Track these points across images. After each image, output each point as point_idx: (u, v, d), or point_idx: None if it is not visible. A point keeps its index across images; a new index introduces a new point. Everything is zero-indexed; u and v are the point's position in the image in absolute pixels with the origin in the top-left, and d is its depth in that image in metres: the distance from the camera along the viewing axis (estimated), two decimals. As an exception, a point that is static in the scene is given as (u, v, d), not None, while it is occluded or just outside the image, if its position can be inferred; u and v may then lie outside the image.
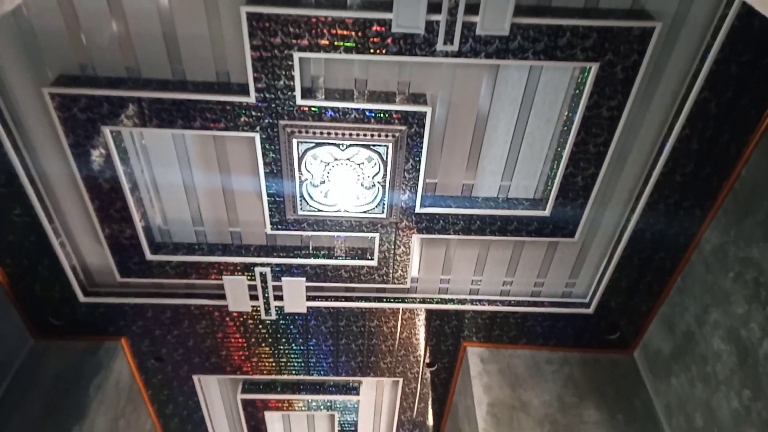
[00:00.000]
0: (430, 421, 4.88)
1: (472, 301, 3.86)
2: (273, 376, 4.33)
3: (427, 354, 4.21)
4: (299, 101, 2.79)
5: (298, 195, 3.21)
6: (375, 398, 4.70)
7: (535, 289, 3.85)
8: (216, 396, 4.56)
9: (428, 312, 3.91)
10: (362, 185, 3.24)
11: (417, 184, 3.15)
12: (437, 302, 3.85)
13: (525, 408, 3.74)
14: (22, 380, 3.66)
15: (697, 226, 3.30)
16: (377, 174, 3.18)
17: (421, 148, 2.99)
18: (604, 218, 3.41)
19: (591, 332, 3.99)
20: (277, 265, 3.56)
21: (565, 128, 2.98)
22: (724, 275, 3.12)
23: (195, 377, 4.26)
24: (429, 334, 4.05)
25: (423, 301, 3.85)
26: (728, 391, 3.04)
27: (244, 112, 2.82)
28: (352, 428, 4.94)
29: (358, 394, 4.51)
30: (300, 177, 3.14)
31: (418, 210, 3.26)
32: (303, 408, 4.59)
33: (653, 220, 3.31)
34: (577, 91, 2.84)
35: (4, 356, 3.63)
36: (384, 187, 3.20)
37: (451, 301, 3.86)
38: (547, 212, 3.27)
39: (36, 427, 3.43)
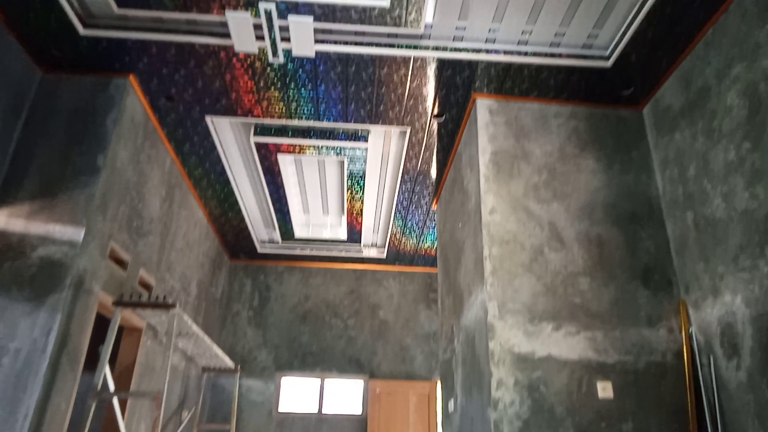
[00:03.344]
0: (434, 171, 5.16)
1: (487, 51, 3.72)
2: (284, 121, 4.43)
3: (436, 105, 4.23)
4: None
5: None
6: (382, 147, 4.88)
7: (554, 40, 3.67)
8: (230, 138, 4.73)
9: (440, 61, 3.80)
10: None
11: None
12: (451, 50, 3.71)
13: (526, 157, 3.90)
14: (39, 112, 3.77)
15: (747, -32, 2.98)
16: None
17: None
18: (646, -45, 3.05)
19: (605, 87, 3.94)
20: (282, 1, 3.33)
21: None
22: (761, 26, 2.92)
23: (207, 118, 4.37)
24: (439, 84, 4.00)
25: (436, 48, 3.71)
26: (728, 144, 3.11)
27: None
28: (360, 175, 5.26)
29: (366, 141, 4.67)
30: None
31: (438, -64, 2.90)
32: (314, 153, 4.81)
33: (700, -42, 2.97)
34: None
35: (15, 85, 3.66)
36: None
37: (466, 50, 3.71)
38: (583, -55, 2.91)
39: (63, 155, 3.65)
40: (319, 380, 6.94)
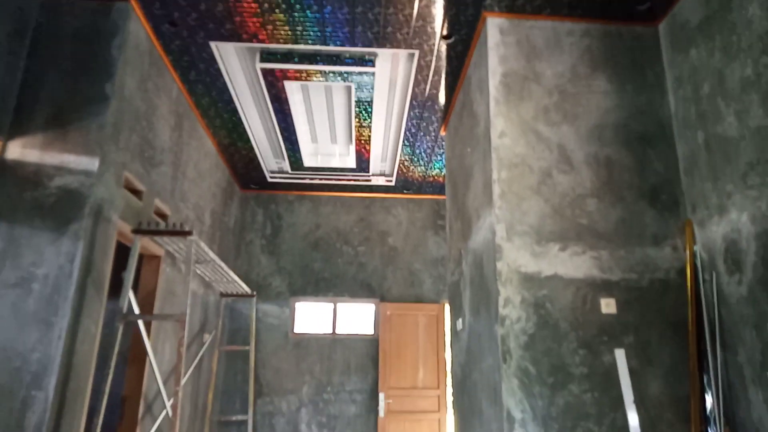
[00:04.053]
0: (443, 95, 5.09)
1: (498, -35, 3.57)
2: (290, 46, 4.34)
3: (445, 25, 4.11)
4: None
5: None
6: (390, 72, 4.80)
7: (568, -48, 3.51)
8: (236, 65, 4.67)
9: (449, -23, 3.66)
10: None
11: None
12: (460, -35, 3.57)
13: (537, 78, 3.83)
14: (43, 38, 3.72)
15: None
16: None
17: None
18: None
19: (620, 1, 3.79)
20: None
21: None
22: (788, -70, 2.78)
23: (212, 44, 4.29)
24: (449, 3, 3.87)
25: (445, -36, 3.56)
26: (745, 59, 3.04)
27: None
28: (368, 102, 5.20)
29: (373, 66, 4.59)
30: None
31: None
32: (320, 79, 4.74)
33: None
34: None
35: (16, 8, 3.59)
36: None
37: (476, -36, 3.57)
38: None
39: (71, 84, 3.64)
40: (332, 304, 7.21)
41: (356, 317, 7.25)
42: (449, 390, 6.76)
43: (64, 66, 3.67)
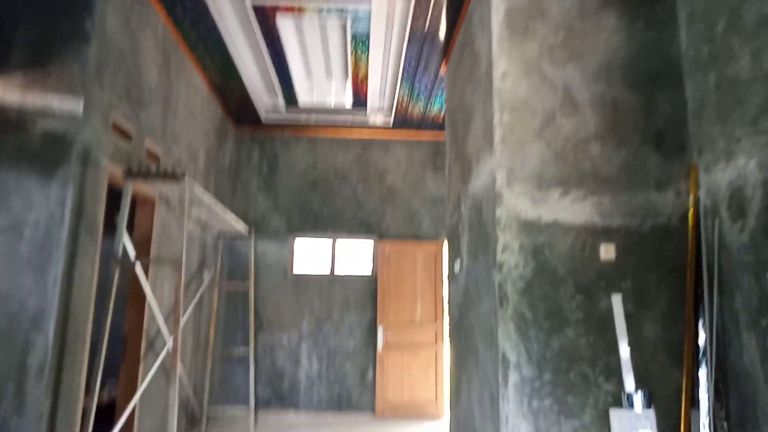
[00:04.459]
0: (443, 32, 4.85)
1: None
2: (280, -23, 4.07)
3: (447, -47, 3.84)
4: None
5: None
6: (387, 5, 4.54)
7: None
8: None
9: None
10: None
11: None
12: None
13: (543, 14, 3.62)
14: (15, -28, 3.47)
15: None
16: None
17: None
18: None
19: (635, -71, 3.53)
20: None
21: None
22: None
23: (198, -25, 4.02)
24: (450, -72, 3.59)
25: None
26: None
27: None
28: (365, 37, 4.96)
29: (369, 1, 4.34)
30: None
31: None
32: (314, 15, 4.49)
33: None
34: None
35: (-15, -57, 3.34)
36: None
37: None
38: None
39: (49, 20, 3.43)
40: (330, 241, 7.23)
41: (355, 256, 7.30)
42: (446, 324, 6.91)
43: (40, 2, 3.44)
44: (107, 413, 4.58)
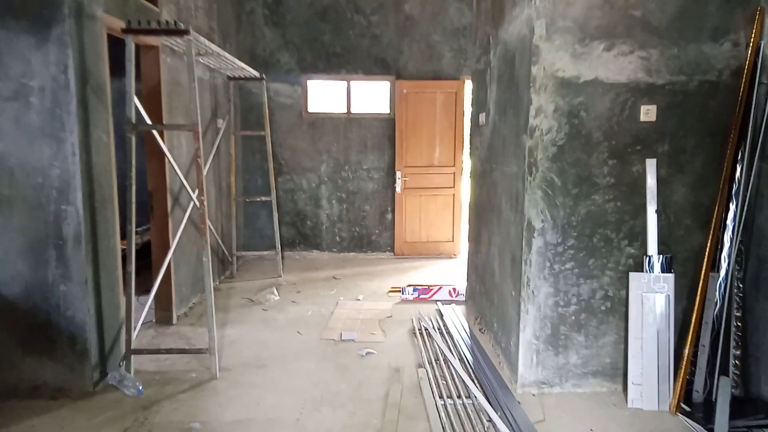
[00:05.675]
0: None
1: None
2: None
3: None
4: None
5: None
6: None
7: None
8: None
9: None
10: None
11: None
12: None
13: None
14: None
15: None
16: None
17: None
18: None
19: None
20: None
21: None
22: None
23: None
24: None
25: None
26: None
27: None
28: None
29: None
30: None
31: None
32: None
33: None
34: None
35: None
36: None
37: None
38: None
39: None
40: (345, 83, 6.89)
41: (371, 96, 7.01)
42: (465, 168, 6.90)
43: None
44: (142, 252, 4.82)
